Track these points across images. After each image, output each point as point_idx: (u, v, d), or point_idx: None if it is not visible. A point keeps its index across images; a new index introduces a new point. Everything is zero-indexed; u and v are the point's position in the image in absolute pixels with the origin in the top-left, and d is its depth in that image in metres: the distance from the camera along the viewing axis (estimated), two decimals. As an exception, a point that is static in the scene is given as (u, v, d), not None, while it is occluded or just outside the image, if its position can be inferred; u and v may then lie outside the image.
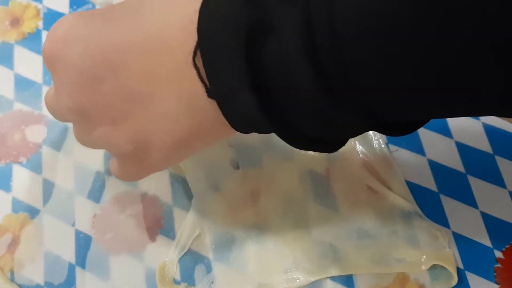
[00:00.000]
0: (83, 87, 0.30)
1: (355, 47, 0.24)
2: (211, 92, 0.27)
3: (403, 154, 0.41)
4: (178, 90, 0.28)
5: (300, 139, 0.28)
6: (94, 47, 0.29)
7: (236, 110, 0.27)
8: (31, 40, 0.46)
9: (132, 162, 0.32)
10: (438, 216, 0.38)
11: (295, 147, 0.29)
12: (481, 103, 0.25)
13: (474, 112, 0.27)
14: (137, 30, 0.29)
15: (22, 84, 0.44)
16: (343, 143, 0.30)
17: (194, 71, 0.27)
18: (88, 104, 0.30)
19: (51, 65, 0.31)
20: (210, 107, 0.28)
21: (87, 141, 0.33)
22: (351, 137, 0.30)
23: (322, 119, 0.26)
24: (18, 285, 0.36)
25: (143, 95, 0.29)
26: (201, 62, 0.27)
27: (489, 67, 0.23)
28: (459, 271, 0.36)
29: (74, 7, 0.48)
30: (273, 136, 0.29)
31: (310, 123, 0.27)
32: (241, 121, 0.28)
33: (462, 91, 0.24)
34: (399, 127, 0.29)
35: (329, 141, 0.29)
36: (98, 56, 0.29)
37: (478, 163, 0.40)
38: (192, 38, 0.27)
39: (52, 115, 0.36)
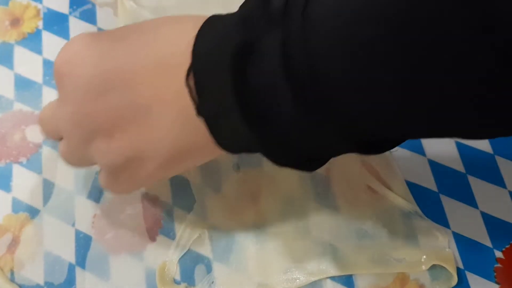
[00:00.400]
0: (89, 99, 0.31)
1: (330, 68, 0.25)
2: (200, 110, 0.29)
3: (403, 154, 0.41)
4: (177, 108, 0.30)
5: (288, 158, 0.30)
6: (104, 65, 0.31)
7: (223, 128, 0.29)
8: (31, 40, 0.46)
9: (123, 174, 0.32)
10: (438, 216, 0.38)
11: (280, 166, 0.30)
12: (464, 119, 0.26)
13: (454, 129, 0.27)
14: (145, 51, 0.30)
15: (22, 84, 0.44)
16: (324, 161, 0.31)
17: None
18: (91, 113, 0.31)
19: (60, 79, 0.32)
20: (203, 126, 0.29)
21: (79, 155, 0.34)
22: (333, 156, 0.31)
23: (305, 138, 0.28)
24: (18, 285, 0.36)
25: (144, 110, 0.30)
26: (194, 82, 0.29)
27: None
28: (459, 271, 0.36)
29: (74, 7, 0.48)
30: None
31: (295, 142, 0.28)
32: (227, 139, 0.30)
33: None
34: (379, 146, 0.30)
35: (311, 159, 0.31)
36: (107, 73, 0.31)
37: (478, 163, 0.40)
38: (189, 59, 0.29)
39: (45, 130, 0.36)
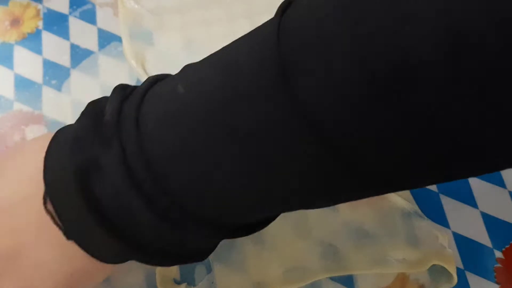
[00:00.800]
0: None
1: (173, 172, 0.26)
2: (67, 233, 0.27)
3: (403, 154, 0.40)
4: (46, 239, 0.28)
5: (164, 260, 0.29)
6: None
7: (97, 247, 0.28)
8: (31, 40, 0.46)
9: None
10: (438, 216, 0.38)
11: (162, 267, 0.29)
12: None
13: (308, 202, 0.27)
14: None
15: (22, 84, 0.44)
16: (210, 251, 0.31)
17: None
18: None
19: None
20: (78, 248, 0.28)
21: None
22: (212, 249, 0.31)
23: (172, 240, 0.27)
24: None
25: (12, 252, 0.28)
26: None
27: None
28: (459, 271, 0.36)
29: (74, 7, 0.48)
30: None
31: (164, 246, 0.28)
32: (104, 255, 0.28)
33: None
34: (250, 227, 0.30)
35: (190, 254, 0.30)
36: None
37: (478, 163, 0.40)
38: (42, 187, 0.28)
39: None
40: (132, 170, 0.26)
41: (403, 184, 0.25)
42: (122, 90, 0.28)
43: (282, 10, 0.25)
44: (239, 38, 0.27)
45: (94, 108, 0.28)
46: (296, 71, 0.23)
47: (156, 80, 0.28)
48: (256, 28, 0.26)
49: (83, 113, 0.28)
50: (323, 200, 0.27)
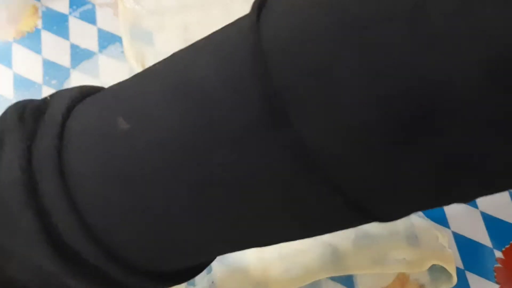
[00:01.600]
0: None
1: (124, 243, 0.21)
2: None
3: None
4: None
5: None
6: None
7: None
8: (30, 40, 0.46)
9: None
10: (438, 216, 0.38)
11: None
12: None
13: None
14: None
15: (22, 84, 0.44)
16: None
17: None
18: None
19: None
20: None
21: None
22: None
23: None
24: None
25: None
26: None
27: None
28: (459, 271, 0.36)
29: (74, 7, 0.48)
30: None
31: None
32: None
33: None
34: (184, 273, 0.26)
35: None
36: None
37: (478, 163, 0.40)
38: None
39: None
40: (61, 244, 0.20)
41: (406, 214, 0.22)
42: (20, 124, 0.21)
43: (258, 8, 0.19)
44: (195, 46, 0.21)
45: None
46: (290, 106, 0.18)
47: (72, 103, 0.22)
48: (220, 32, 0.20)
49: None
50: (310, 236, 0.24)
